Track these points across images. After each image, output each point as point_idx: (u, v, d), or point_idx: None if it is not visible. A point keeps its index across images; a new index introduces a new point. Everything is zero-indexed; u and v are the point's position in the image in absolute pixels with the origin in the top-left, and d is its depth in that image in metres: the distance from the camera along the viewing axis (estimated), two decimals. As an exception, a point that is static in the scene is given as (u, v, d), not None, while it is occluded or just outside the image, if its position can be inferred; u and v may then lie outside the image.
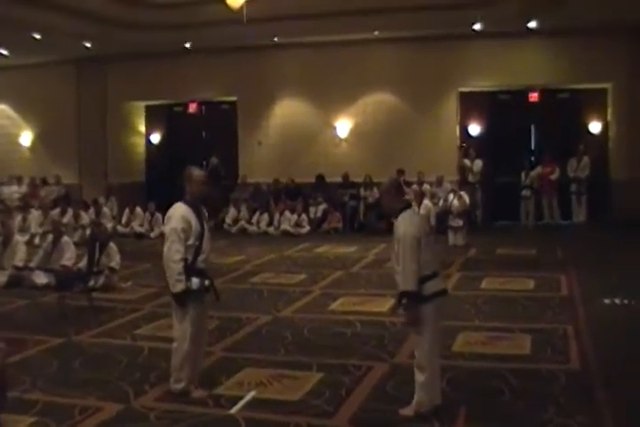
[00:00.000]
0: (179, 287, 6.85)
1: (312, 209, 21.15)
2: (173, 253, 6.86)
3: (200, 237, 6.99)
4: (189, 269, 6.92)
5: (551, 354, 8.34)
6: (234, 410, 6.67)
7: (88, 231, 18.33)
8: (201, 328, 7.12)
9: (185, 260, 6.89)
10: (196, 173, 7.15)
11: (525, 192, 20.76)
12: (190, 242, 6.93)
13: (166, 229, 7.04)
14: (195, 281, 6.94)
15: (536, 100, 21.67)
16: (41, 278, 12.83)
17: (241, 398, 6.97)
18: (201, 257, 7.04)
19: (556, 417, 6.35)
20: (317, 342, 9.14)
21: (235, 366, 7.97)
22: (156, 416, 6.54)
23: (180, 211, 6.97)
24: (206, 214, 7.26)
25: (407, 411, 6.47)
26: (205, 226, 7.11)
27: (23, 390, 7.24)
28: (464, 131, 21.82)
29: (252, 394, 7.07)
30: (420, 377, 6.50)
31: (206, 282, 7.08)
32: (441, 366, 6.95)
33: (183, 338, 6.96)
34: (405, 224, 6.48)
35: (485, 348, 8.68)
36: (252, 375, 7.69)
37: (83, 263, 12.63)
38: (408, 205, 6.77)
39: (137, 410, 6.73)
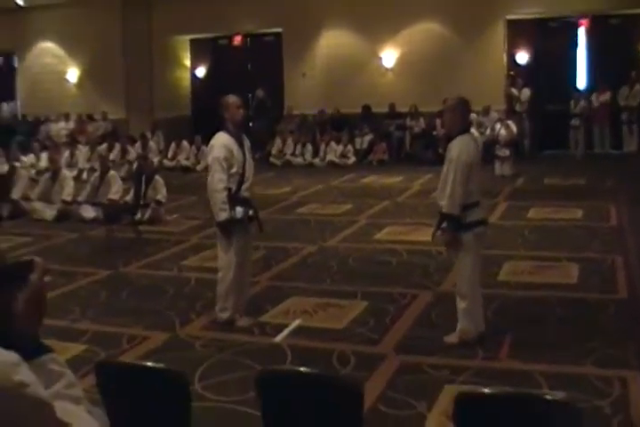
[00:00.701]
0: (223, 216, 6.85)
1: (358, 140, 20.99)
2: (217, 182, 6.84)
3: (242, 165, 6.97)
4: (233, 198, 6.91)
5: (599, 283, 8.28)
6: (279, 338, 6.74)
7: (135, 166, 18.52)
8: (245, 258, 7.14)
9: (229, 189, 6.87)
10: (232, 99, 7.13)
11: (575, 121, 20.37)
12: (233, 170, 6.91)
13: (209, 158, 7.03)
14: (239, 210, 6.92)
15: (587, 26, 21.18)
16: (89, 212, 13.03)
17: (286, 326, 7.04)
18: (244, 186, 7.02)
19: (603, 346, 6.31)
20: (363, 270, 9.16)
21: (280, 294, 8.03)
22: (201, 345, 6.64)
23: (221, 140, 6.95)
24: (248, 143, 7.22)
25: (452, 338, 6.49)
26: (247, 154, 7.08)
27: (72, 320, 7.39)
28: (511, 59, 21.39)
29: (297, 322, 7.12)
30: (462, 304, 6.49)
31: (250, 212, 7.06)
32: (486, 295, 6.98)
33: (228, 267, 6.99)
34: (461, 147, 6.41)
35: (532, 277, 8.64)
36: (297, 304, 7.76)
37: (130, 197, 12.78)
38: (468, 129, 6.69)
39: (183, 339, 6.84)
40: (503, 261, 9.23)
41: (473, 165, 6.37)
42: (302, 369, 3.69)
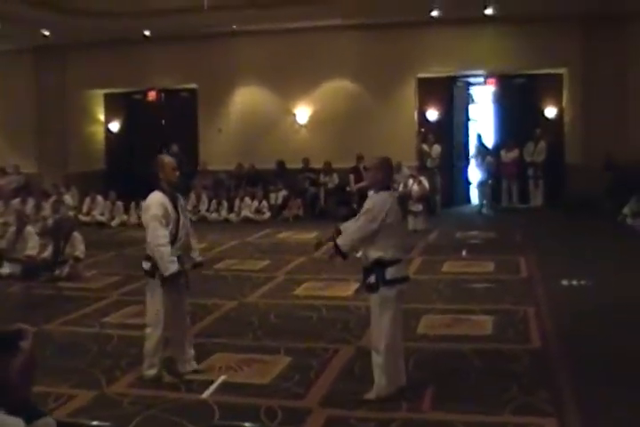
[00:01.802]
0: (172, 268, 6.96)
1: (272, 195, 21.21)
2: (160, 237, 6.97)
3: (176, 224, 7.12)
4: None
5: (513, 334, 8.59)
6: (205, 394, 6.81)
7: (50, 222, 18.35)
8: (179, 313, 7.23)
9: None
10: (167, 159, 7.31)
11: (483, 176, 21.05)
12: (168, 229, 7.04)
13: (146, 217, 7.13)
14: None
15: (494, 85, 22.00)
16: (5, 269, 12.87)
17: (212, 382, 7.11)
18: (177, 244, 7.15)
19: (519, 395, 6.57)
20: (284, 326, 9.29)
21: (204, 351, 8.04)
22: (129, 402, 6.67)
23: (156, 198, 7.08)
24: (182, 202, 7.38)
25: (370, 395, 6.62)
26: (181, 213, 7.22)
27: (-4, 379, 7.31)
28: (422, 116, 21.98)
29: (222, 378, 7.21)
30: (378, 360, 6.67)
31: (181, 268, 7.17)
32: (406, 348, 7.18)
33: (156, 324, 7.07)
34: (377, 201, 6.67)
35: (449, 329, 8.90)
36: (221, 360, 7.85)
37: (47, 253, 12.67)
38: (389, 187, 6.95)
39: (110, 397, 6.85)
40: (421, 314, 9.48)
41: (389, 220, 6.61)
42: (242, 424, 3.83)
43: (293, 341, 8.55)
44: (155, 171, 7.22)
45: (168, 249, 6.96)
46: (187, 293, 7.48)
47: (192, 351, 7.44)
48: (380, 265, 6.59)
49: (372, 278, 6.66)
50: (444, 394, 6.68)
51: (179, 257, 7.15)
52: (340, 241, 6.74)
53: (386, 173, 6.88)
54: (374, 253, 6.62)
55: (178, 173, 7.34)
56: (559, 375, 7.12)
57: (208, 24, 20.14)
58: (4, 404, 1.63)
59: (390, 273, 6.58)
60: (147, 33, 21.82)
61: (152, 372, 7.09)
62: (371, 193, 7.08)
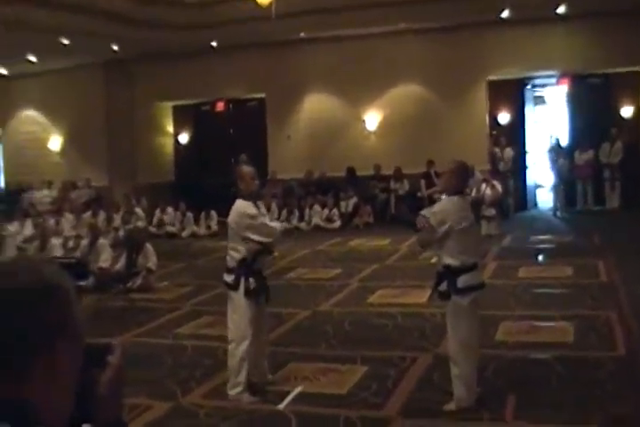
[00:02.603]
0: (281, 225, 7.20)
1: (343, 203, 21.08)
2: (271, 228, 7.09)
3: None
4: (248, 269, 6.93)
5: (596, 340, 8.31)
6: (282, 405, 6.69)
7: (121, 233, 18.49)
8: (258, 326, 7.10)
9: (244, 259, 6.91)
10: (246, 169, 7.22)
11: (557, 179, 20.71)
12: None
13: (244, 220, 6.96)
14: (252, 281, 6.93)
15: (567, 85, 21.58)
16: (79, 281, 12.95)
17: (288, 393, 6.99)
18: (261, 256, 7.06)
19: (604, 405, 6.32)
20: (359, 335, 9.13)
21: (278, 361, 7.94)
22: (205, 414, 6.58)
23: (244, 203, 6.98)
24: (264, 210, 7.28)
25: (450, 406, 6.43)
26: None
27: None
28: (494, 119, 21.68)
29: (298, 389, 7.08)
30: (455, 371, 6.49)
31: (263, 282, 7.07)
32: (485, 356, 7.00)
33: (239, 340, 6.89)
34: (445, 205, 6.51)
35: (528, 336, 8.64)
36: (296, 370, 7.73)
37: (119, 265, 12.73)
38: (462, 192, 6.74)
39: (186, 408, 6.78)
40: (499, 321, 9.24)
41: (457, 224, 6.40)
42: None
43: (369, 349, 8.38)
44: (234, 181, 7.12)
45: (278, 227, 7.18)
46: (265, 309, 7.37)
47: (266, 363, 7.31)
48: (450, 272, 6.41)
49: (444, 286, 6.49)
50: (527, 403, 6.45)
51: (260, 270, 7.05)
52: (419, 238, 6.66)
53: (461, 178, 6.70)
54: (445, 259, 6.46)
55: (257, 182, 7.25)
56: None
57: (275, 32, 20.10)
58: (93, 420, 1.56)
59: (462, 281, 6.38)
60: (213, 44, 21.92)
61: (235, 391, 6.91)
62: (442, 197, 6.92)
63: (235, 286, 6.98)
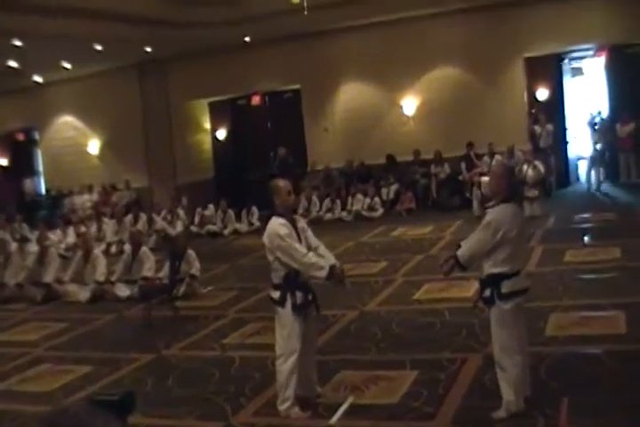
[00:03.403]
0: (324, 272, 6.72)
1: (384, 190, 20.94)
2: (298, 252, 6.73)
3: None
4: (292, 283, 6.84)
5: (650, 331, 8.12)
6: (334, 420, 6.62)
7: (164, 234, 18.59)
8: (309, 344, 7.02)
9: (287, 273, 6.82)
10: (281, 183, 7.04)
11: (594, 153, 20.46)
12: None
13: (276, 241, 6.78)
14: (299, 295, 6.83)
15: (606, 57, 21.15)
16: (123, 291, 13.05)
17: (339, 405, 6.91)
18: None
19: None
20: (407, 336, 9.04)
21: (328, 369, 7.85)
22: (256, 433, 6.53)
23: (278, 221, 6.84)
24: (303, 224, 7.15)
25: (500, 413, 6.28)
26: (301, 234, 7.00)
27: (123, 414, 7.27)
28: (532, 97, 21.36)
29: (349, 401, 7.00)
30: (502, 375, 6.37)
31: (309, 296, 6.97)
32: (537, 354, 6.96)
33: (287, 356, 6.80)
34: (497, 216, 6.35)
35: (579, 329, 8.46)
36: (347, 379, 7.63)
37: (163, 272, 12.72)
38: (512, 197, 6.58)
39: (237, 428, 6.73)
40: (548, 313, 9.09)
41: (508, 233, 6.26)
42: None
43: (418, 352, 8.29)
44: (270, 196, 7.01)
45: (310, 258, 6.73)
46: (317, 319, 7.26)
47: (315, 376, 7.23)
48: (495, 279, 6.29)
49: (488, 292, 6.37)
50: (583, 406, 6.29)
51: (305, 284, 6.95)
52: (459, 252, 6.47)
53: (508, 182, 6.53)
54: (489, 268, 6.32)
55: (293, 197, 7.13)
56: None
57: (307, 24, 19.93)
58: None
59: (506, 286, 6.26)
60: (246, 39, 21.82)
61: (284, 406, 6.84)
62: (491, 204, 6.74)
63: (281, 303, 6.89)
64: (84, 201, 23.84)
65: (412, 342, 8.72)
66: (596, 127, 20.67)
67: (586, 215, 16.27)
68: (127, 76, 24.71)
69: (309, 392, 7.12)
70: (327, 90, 22.83)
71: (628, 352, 7.50)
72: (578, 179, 22.11)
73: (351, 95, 22.67)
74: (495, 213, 6.39)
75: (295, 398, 6.87)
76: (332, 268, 6.78)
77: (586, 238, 13.82)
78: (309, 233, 7.17)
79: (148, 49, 21.76)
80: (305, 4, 13.27)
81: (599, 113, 21.14)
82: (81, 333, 11.13)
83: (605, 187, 20.13)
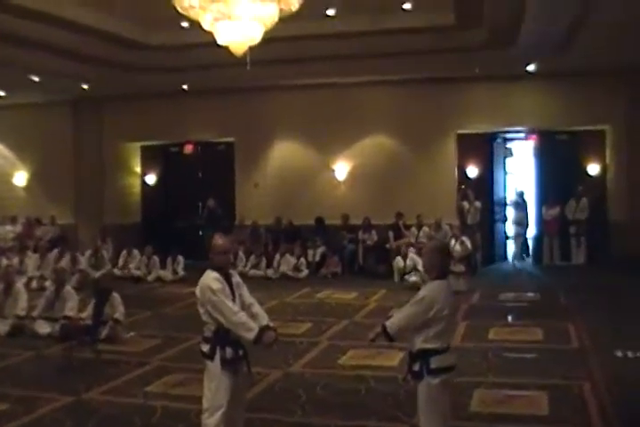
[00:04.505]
0: (253, 334, 6.62)
1: (310, 252, 21.02)
2: (229, 309, 6.61)
3: (232, 302, 6.84)
4: (222, 339, 6.75)
5: (570, 415, 8.21)
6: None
7: (88, 276, 18.29)
8: (237, 400, 6.92)
9: (218, 328, 6.74)
10: (220, 242, 6.98)
11: (518, 230, 21.17)
12: None
13: (207, 295, 6.67)
14: (229, 351, 6.74)
15: (534, 141, 21.82)
16: (44, 328, 12.79)
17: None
18: None
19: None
20: (332, 400, 8.98)
21: (252, 428, 7.77)
22: (178, 488, 6.40)
23: (212, 275, 6.79)
24: (238, 279, 7.09)
25: None
26: (237, 292, 6.94)
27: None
28: (462, 173, 21.81)
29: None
30: None
31: (240, 352, 6.90)
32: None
33: (213, 410, 6.67)
34: (431, 291, 6.41)
35: (503, 407, 8.54)
36: (271, 441, 7.56)
37: (86, 313, 12.52)
38: (445, 275, 6.64)
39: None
40: (472, 388, 9.17)
41: (440, 310, 6.33)
42: None
43: (343, 418, 8.24)
44: (207, 246, 6.97)
45: (241, 317, 6.63)
46: (247, 376, 7.17)
47: None
48: (425, 354, 6.34)
49: (417, 366, 6.39)
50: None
51: (236, 340, 6.86)
52: (388, 323, 6.50)
53: (441, 259, 6.62)
54: (421, 344, 6.36)
55: (226, 258, 7.06)
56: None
57: (248, 79, 20.08)
58: None
59: (435, 362, 6.30)
60: (184, 87, 21.90)
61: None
62: (413, 278, 6.83)
63: (210, 356, 6.80)
64: (7, 232, 23.36)
65: (336, 407, 8.67)
66: (516, 207, 21.40)
67: (510, 294, 16.54)
68: (62, 110, 24.56)
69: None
70: (261, 146, 23.00)
71: (551, 435, 7.60)
72: (505, 257, 22.52)
73: (284, 153, 22.85)
74: (429, 290, 6.44)
75: None
76: (262, 330, 6.74)
77: (509, 318, 14.08)
78: (244, 289, 7.10)
79: (85, 86, 21.72)
80: (248, 59, 13.35)
81: (520, 193, 21.80)
82: (-3, 368, 10.84)
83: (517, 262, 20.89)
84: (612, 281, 17.66)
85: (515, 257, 21.52)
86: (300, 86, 21.89)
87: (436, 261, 6.56)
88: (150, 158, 25.50)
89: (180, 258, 20.11)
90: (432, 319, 6.28)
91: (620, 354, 10.84)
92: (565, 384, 9.41)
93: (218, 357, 6.75)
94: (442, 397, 6.39)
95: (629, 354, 10.83)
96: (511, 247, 22.43)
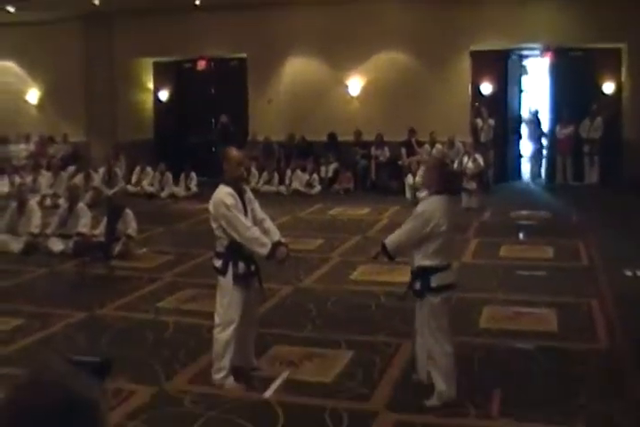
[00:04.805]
0: (266, 249, 6.73)
1: (323, 168, 20.99)
2: (242, 224, 6.69)
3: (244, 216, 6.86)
4: (235, 253, 6.81)
5: (578, 331, 8.33)
6: (268, 394, 6.66)
7: (102, 193, 18.33)
8: (249, 315, 7.01)
9: (231, 242, 6.78)
10: (233, 153, 7.02)
11: (535, 151, 21.00)
12: None
13: (221, 209, 6.73)
14: (241, 266, 6.81)
15: (550, 58, 21.47)
16: (57, 245, 12.86)
17: (273, 379, 6.96)
18: None
19: (588, 403, 6.34)
20: (343, 315, 9.12)
21: (263, 343, 7.84)
22: (190, 401, 6.52)
23: (224, 190, 6.79)
24: (250, 195, 7.11)
25: (433, 401, 6.41)
26: (248, 207, 6.96)
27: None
28: (476, 90, 21.54)
29: (284, 376, 7.05)
30: (432, 364, 6.50)
31: (252, 267, 6.96)
32: (470, 344, 7.24)
33: (225, 325, 6.80)
34: (429, 207, 6.44)
35: (512, 323, 8.67)
36: (281, 354, 7.70)
37: (99, 230, 12.61)
38: (445, 190, 6.65)
39: (170, 394, 6.71)
40: (482, 305, 9.28)
41: (442, 227, 6.35)
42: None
43: (354, 333, 8.37)
44: (220, 162, 6.98)
45: (254, 232, 6.72)
46: (259, 291, 7.24)
47: (252, 348, 7.25)
48: (425, 272, 6.38)
49: (418, 285, 6.47)
50: (513, 398, 6.46)
51: (249, 255, 6.92)
52: (387, 240, 6.57)
53: (440, 175, 6.61)
54: (419, 260, 6.42)
55: (243, 169, 7.08)
56: (630, 381, 6.87)
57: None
58: None
59: (435, 280, 6.37)
60: (197, 2, 21.57)
61: (220, 375, 6.83)
62: (423, 194, 6.85)
63: (223, 272, 6.88)
64: (21, 150, 23.35)
65: (347, 322, 8.80)
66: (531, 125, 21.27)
67: (522, 212, 16.53)
68: (72, 26, 24.15)
69: (245, 364, 7.15)
70: (274, 62, 22.68)
71: (557, 350, 7.71)
72: (519, 175, 22.42)
73: (297, 69, 22.56)
74: (427, 205, 6.48)
75: (230, 368, 6.89)
76: (274, 246, 6.79)
77: (521, 235, 14.17)
78: (256, 205, 7.15)
79: (96, 1, 21.38)
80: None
81: (535, 112, 21.62)
82: (11, 284, 10.97)
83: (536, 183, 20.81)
84: (624, 201, 17.56)
85: (532, 177, 21.38)
86: (312, 2, 21.52)
87: (434, 177, 6.60)
88: (163, 74, 25.24)
89: (193, 174, 20.13)
90: (430, 234, 6.32)
91: (629, 273, 10.91)
92: (574, 302, 9.50)
93: (230, 272, 6.84)
94: (442, 314, 6.49)
95: (638, 273, 10.89)
96: (526, 166, 22.34)
